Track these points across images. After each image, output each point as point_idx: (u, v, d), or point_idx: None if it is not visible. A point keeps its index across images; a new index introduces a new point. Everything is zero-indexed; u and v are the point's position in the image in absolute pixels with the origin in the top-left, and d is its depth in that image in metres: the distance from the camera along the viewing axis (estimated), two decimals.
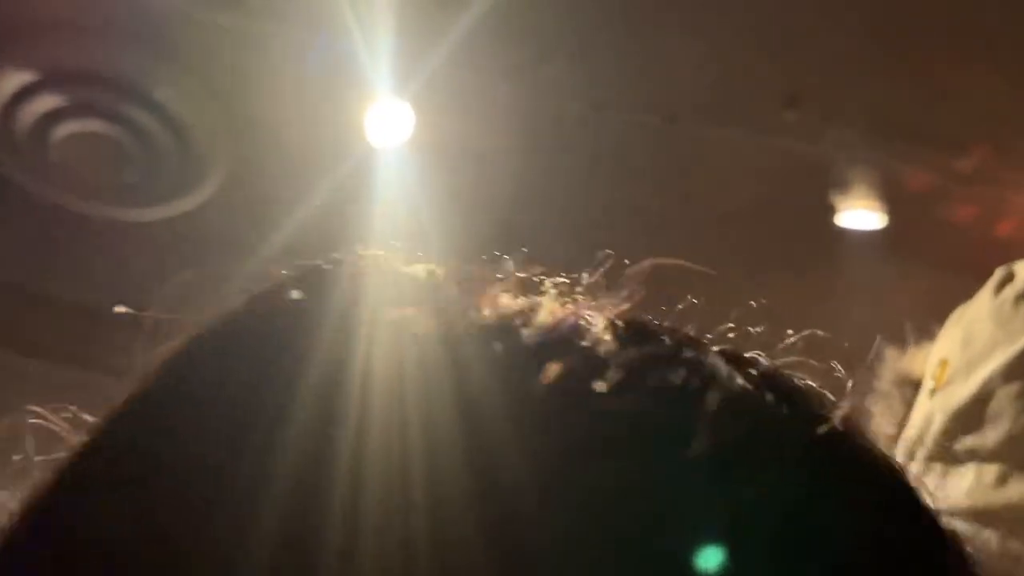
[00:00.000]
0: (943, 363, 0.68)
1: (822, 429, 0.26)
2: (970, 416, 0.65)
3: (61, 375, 2.10)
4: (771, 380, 0.27)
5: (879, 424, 0.71)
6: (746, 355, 0.28)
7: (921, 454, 0.67)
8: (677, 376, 0.26)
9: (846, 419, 0.27)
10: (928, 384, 0.69)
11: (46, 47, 1.83)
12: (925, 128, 1.85)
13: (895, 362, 0.71)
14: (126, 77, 1.85)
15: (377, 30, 1.63)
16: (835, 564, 0.24)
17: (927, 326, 0.73)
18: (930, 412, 0.67)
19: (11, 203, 2.05)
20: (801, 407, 0.27)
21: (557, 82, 1.80)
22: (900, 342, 0.73)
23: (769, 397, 0.26)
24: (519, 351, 0.26)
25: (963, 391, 0.66)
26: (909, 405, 0.70)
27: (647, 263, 0.29)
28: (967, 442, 0.65)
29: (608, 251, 0.30)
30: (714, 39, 1.74)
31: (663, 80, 1.81)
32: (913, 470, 0.66)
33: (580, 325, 0.27)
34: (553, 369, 0.25)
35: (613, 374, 0.25)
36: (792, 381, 0.28)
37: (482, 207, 1.71)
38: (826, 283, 2.03)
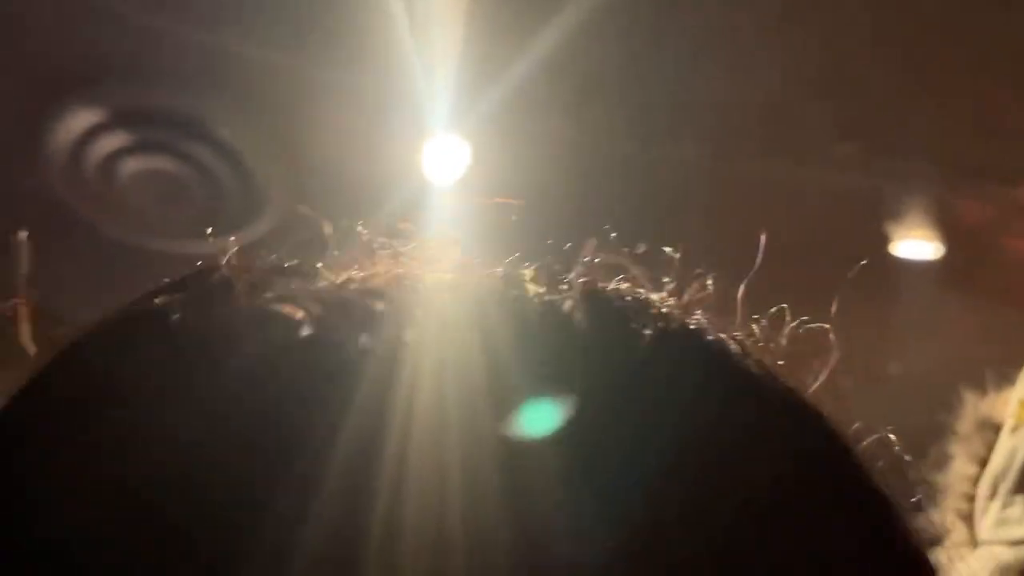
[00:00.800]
0: (1022, 403, 0.71)
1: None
2: None
3: None
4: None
5: (961, 464, 0.73)
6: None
7: (1004, 488, 0.69)
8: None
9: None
10: (1010, 423, 0.72)
11: (113, 89, 1.88)
12: (981, 159, 1.83)
13: (975, 406, 0.74)
14: (188, 116, 1.89)
15: (434, 69, 1.65)
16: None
17: (989, 360, 0.75)
18: (1013, 448, 0.70)
19: (77, 238, 2.09)
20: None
21: (609, 118, 1.81)
22: (959, 373, 0.75)
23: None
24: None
25: None
26: (990, 447, 0.73)
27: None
28: None
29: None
30: (765, 73, 1.74)
31: (714, 115, 1.81)
32: (997, 506, 0.68)
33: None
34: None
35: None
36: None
37: (536, 242, 1.72)
38: (882, 314, 2.02)
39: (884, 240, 1.95)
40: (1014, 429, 0.71)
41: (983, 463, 0.72)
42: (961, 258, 1.97)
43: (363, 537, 0.23)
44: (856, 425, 0.29)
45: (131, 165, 1.97)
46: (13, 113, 1.90)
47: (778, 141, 1.85)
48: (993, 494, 0.69)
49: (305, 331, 0.26)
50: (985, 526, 0.69)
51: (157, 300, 0.28)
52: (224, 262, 0.30)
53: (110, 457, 0.25)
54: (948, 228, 1.92)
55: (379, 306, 0.27)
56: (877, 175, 1.86)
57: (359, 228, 0.34)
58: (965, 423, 0.74)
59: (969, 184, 1.86)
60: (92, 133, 1.91)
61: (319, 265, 0.30)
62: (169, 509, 0.24)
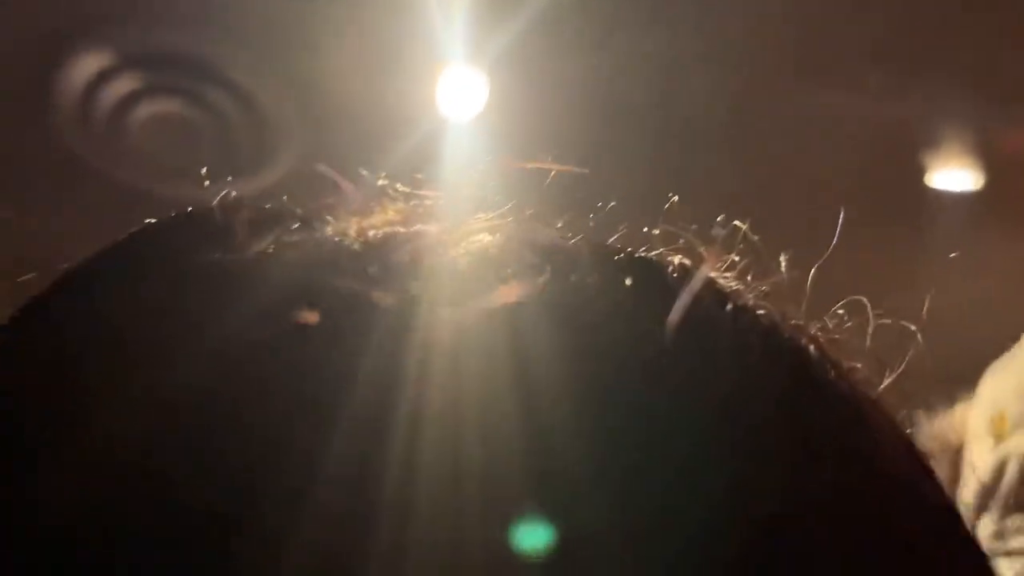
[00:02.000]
0: (1001, 415, 0.70)
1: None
2: None
3: None
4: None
5: None
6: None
7: (996, 504, 0.68)
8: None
9: (811, 350, 0.26)
10: (988, 439, 0.71)
11: (120, 31, 1.84)
12: (1022, 86, 1.78)
13: (931, 429, 0.75)
14: (196, 57, 1.86)
15: (450, 1, 1.61)
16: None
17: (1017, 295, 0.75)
18: (1000, 461, 0.69)
19: (88, 184, 2.08)
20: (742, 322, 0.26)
21: (632, 49, 1.77)
22: (999, 308, 0.74)
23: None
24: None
25: None
26: (956, 467, 0.72)
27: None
28: None
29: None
30: None
31: (741, 42, 1.76)
32: (991, 519, 0.67)
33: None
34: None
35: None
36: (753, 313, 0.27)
37: (555, 177, 1.68)
38: (918, 245, 1.98)
39: (920, 170, 1.91)
40: (995, 444, 0.69)
41: (953, 483, 0.72)
42: (1000, 189, 1.93)
43: (379, 481, 0.22)
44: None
45: (141, 109, 1.95)
46: (18, 59, 1.87)
47: (810, 67, 1.79)
48: (985, 508, 0.69)
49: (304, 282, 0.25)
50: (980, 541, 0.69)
51: (155, 240, 0.27)
52: (219, 205, 0.28)
53: (109, 401, 0.23)
54: (989, 158, 1.87)
55: (372, 268, 0.26)
56: (913, 101, 1.81)
57: (372, 174, 0.32)
58: (930, 446, 0.74)
59: (1011, 111, 1.81)
60: (100, 77, 1.89)
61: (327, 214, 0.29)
62: (179, 457, 0.22)
